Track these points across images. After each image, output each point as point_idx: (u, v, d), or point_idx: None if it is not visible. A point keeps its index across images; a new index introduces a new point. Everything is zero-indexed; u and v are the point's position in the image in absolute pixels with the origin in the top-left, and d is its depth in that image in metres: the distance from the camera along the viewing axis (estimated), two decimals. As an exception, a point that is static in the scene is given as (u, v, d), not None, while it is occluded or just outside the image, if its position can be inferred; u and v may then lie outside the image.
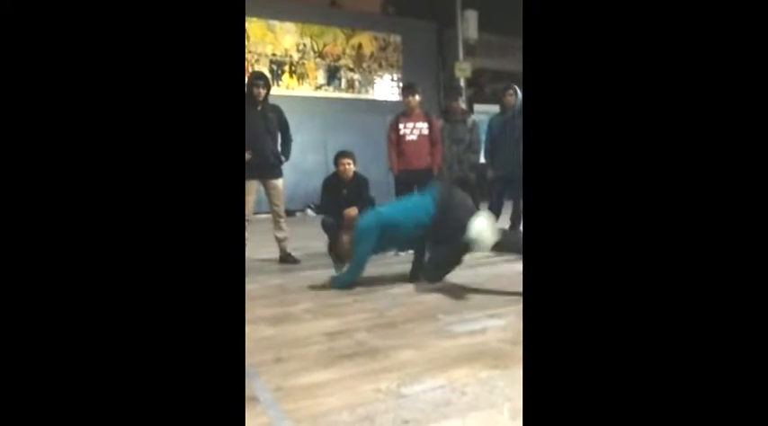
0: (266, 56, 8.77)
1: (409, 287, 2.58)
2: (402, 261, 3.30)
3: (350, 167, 3.86)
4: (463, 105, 4.53)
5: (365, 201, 3.92)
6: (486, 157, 4.06)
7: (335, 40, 9.41)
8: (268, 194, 3.52)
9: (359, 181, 3.87)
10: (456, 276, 2.68)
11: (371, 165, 4.23)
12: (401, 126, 3.84)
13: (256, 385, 1.35)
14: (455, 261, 2.57)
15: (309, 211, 8.09)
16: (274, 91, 3.86)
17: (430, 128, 3.84)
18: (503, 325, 1.80)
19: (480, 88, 10.43)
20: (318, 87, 9.27)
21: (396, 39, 9.93)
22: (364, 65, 9.66)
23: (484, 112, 7.53)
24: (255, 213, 3.77)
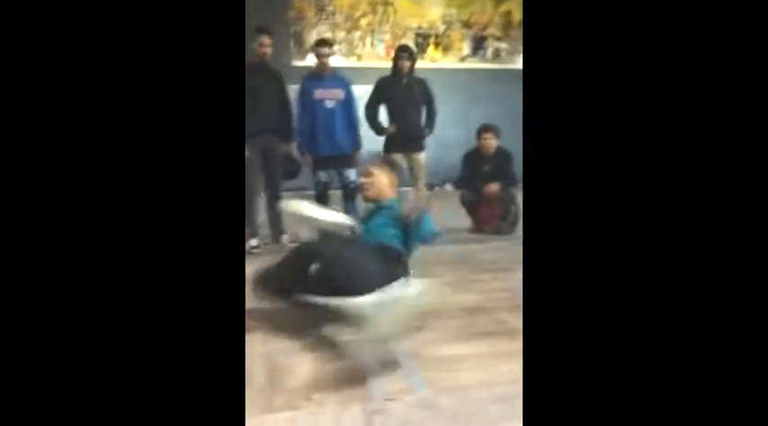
0: (411, 29, 8.82)
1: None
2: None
3: (492, 141, 3.74)
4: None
5: (509, 178, 3.77)
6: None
7: (483, 9, 9.08)
8: (410, 168, 3.59)
9: (502, 156, 3.74)
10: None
11: (516, 139, 4.04)
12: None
13: (400, 349, 1.41)
14: None
15: (448, 186, 8.08)
16: (418, 64, 3.87)
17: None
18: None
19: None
20: (463, 58, 9.08)
21: (548, 2, 9.23)
22: (512, 32, 9.19)
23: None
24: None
